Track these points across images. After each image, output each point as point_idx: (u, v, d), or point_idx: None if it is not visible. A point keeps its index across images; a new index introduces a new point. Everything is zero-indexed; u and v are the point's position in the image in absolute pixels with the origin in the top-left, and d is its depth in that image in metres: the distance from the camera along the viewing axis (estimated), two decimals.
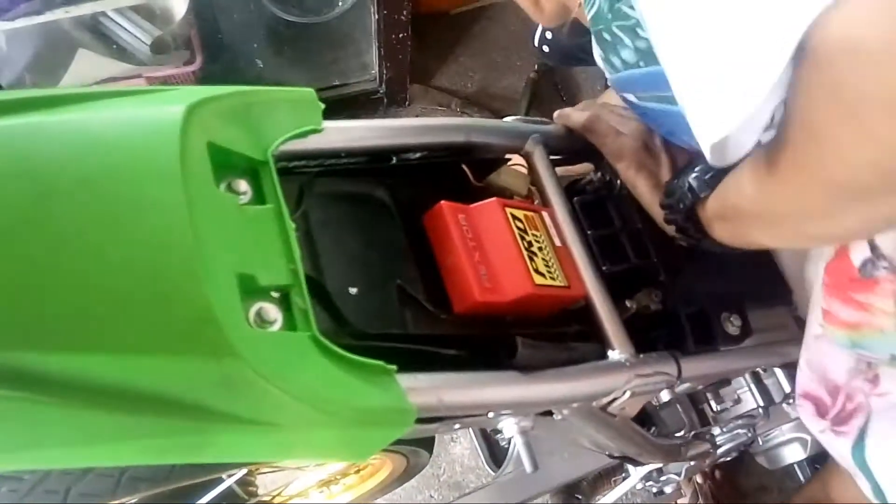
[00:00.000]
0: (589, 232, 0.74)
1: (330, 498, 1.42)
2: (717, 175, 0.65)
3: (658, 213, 0.73)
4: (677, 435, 0.98)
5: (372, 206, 0.67)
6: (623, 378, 0.67)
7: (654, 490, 1.27)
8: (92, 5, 1.49)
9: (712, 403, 1.08)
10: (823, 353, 0.74)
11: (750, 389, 1.16)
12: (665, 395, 1.01)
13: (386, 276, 0.63)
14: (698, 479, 1.63)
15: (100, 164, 0.45)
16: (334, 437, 0.51)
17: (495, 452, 1.42)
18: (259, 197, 0.56)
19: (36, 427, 0.43)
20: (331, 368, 0.50)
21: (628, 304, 0.73)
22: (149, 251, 0.44)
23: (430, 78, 2.15)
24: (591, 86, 2.14)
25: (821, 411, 0.77)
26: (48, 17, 1.46)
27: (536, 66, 2.13)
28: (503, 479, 1.25)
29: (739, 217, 0.62)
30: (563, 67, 2.15)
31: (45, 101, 0.48)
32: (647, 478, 1.23)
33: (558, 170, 0.77)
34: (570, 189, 0.82)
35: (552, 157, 0.77)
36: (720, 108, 0.49)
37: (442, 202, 0.67)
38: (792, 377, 1.20)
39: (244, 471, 1.07)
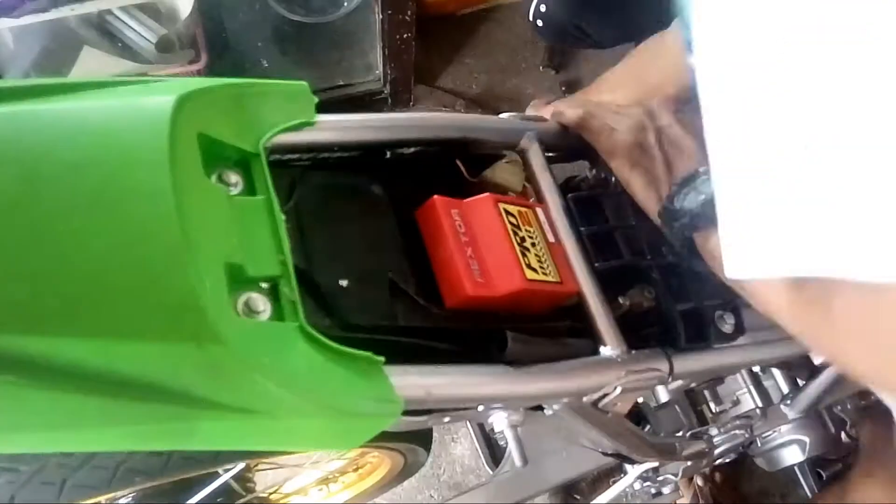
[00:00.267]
0: (582, 228, 0.74)
1: (329, 496, 1.43)
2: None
3: (652, 211, 0.73)
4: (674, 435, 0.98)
5: (364, 199, 0.68)
6: (614, 374, 0.67)
7: (652, 491, 1.26)
8: (98, 3, 1.51)
9: (711, 405, 1.08)
10: None
11: (749, 391, 1.16)
12: (664, 396, 1.01)
13: (377, 269, 0.63)
14: (699, 481, 1.63)
15: (88, 151, 0.45)
16: (320, 427, 0.51)
17: (495, 453, 1.42)
18: (250, 188, 0.57)
19: (20, 410, 0.43)
20: (317, 358, 0.50)
21: (621, 300, 0.72)
22: (135, 237, 0.44)
23: (435, 79, 2.16)
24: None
25: None
26: (54, 14, 1.47)
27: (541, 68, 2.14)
28: (501, 477, 1.25)
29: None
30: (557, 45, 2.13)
31: (37, 90, 0.49)
32: (644, 478, 1.23)
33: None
34: (566, 186, 0.82)
35: (547, 154, 0.77)
36: (786, 253, 0.42)
37: (435, 196, 0.67)
38: (790, 378, 1.21)
39: (241, 466, 1.07)
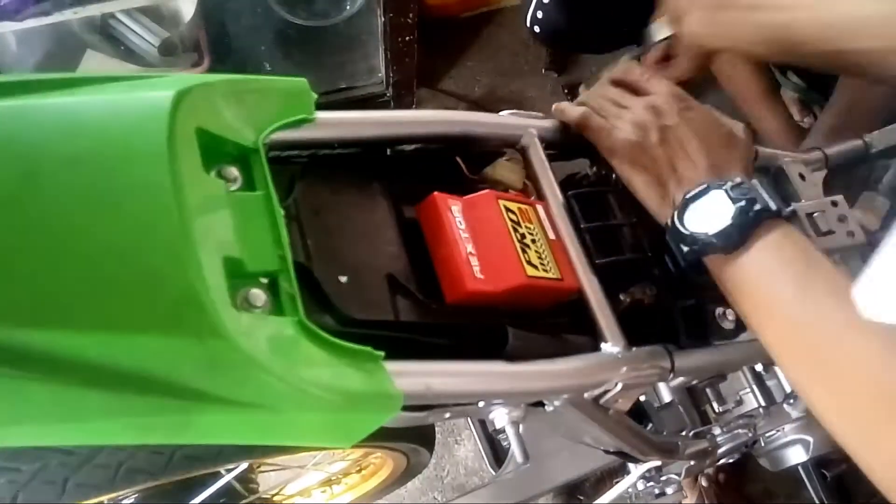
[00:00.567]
0: (583, 225, 0.74)
1: (332, 498, 1.43)
2: (733, 233, 0.63)
3: (654, 210, 0.73)
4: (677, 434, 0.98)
5: (364, 195, 0.68)
6: (615, 370, 0.67)
7: (656, 491, 1.26)
8: (101, 7, 1.51)
9: (714, 404, 1.08)
10: None
11: (752, 390, 1.15)
12: (665, 394, 1.01)
13: (377, 265, 0.63)
14: (703, 482, 1.63)
15: (87, 145, 0.45)
16: (320, 421, 0.51)
17: (499, 454, 1.42)
18: (249, 184, 0.57)
19: (20, 403, 0.43)
20: (316, 352, 0.50)
21: (622, 297, 0.72)
22: (135, 232, 0.44)
23: (437, 82, 2.16)
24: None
25: None
26: (57, 18, 1.47)
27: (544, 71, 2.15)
28: (503, 477, 1.25)
29: None
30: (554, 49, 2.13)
31: (36, 85, 0.49)
32: (647, 478, 1.22)
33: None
34: (566, 183, 0.82)
35: (547, 152, 0.77)
36: None
37: (435, 192, 0.67)
38: None
39: (244, 466, 1.07)
